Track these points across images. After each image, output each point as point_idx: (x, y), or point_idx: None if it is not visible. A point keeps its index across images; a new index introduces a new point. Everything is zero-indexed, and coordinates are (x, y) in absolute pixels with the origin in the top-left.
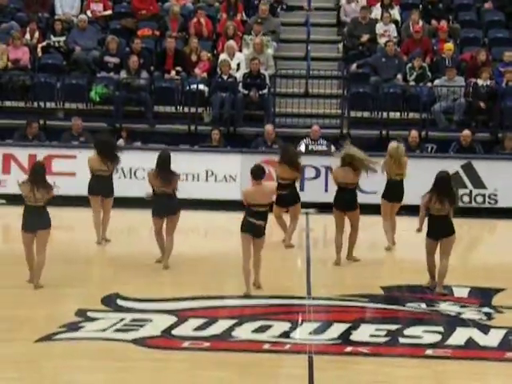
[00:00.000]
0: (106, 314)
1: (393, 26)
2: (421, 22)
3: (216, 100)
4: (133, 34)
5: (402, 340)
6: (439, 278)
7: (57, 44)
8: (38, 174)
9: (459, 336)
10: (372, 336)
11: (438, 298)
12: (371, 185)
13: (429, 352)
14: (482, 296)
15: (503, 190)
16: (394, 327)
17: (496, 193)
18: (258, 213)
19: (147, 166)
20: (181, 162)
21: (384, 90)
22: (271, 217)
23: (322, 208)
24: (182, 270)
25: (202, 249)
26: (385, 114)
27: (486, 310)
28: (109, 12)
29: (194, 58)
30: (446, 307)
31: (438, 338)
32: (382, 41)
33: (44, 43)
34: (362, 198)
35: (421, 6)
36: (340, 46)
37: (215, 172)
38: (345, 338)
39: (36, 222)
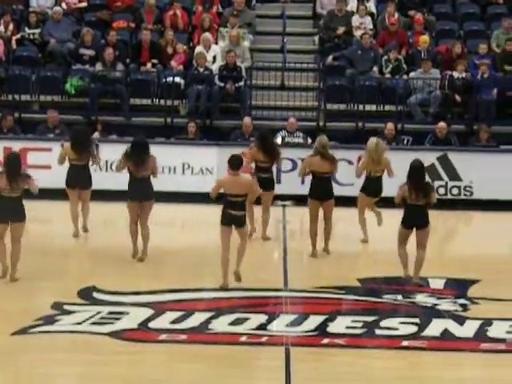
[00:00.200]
0: (83, 307)
1: (368, 19)
2: (396, 15)
3: (192, 92)
4: (108, 26)
5: (378, 331)
6: (416, 268)
7: (31, 36)
8: (13, 164)
9: (435, 327)
10: (348, 328)
11: (414, 289)
12: (347, 177)
13: (405, 343)
14: (458, 287)
15: (479, 182)
16: (370, 319)
17: (471, 185)
18: (236, 203)
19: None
20: (157, 154)
21: (360, 82)
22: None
23: (299, 200)
24: (158, 263)
25: (179, 241)
26: (361, 107)
27: (462, 301)
28: (84, 4)
29: (169, 50)
30: (422, 299)
31: (414, 329)
32: (357, 33)
33: (18, 35)
34: (338, 191)
35: None
36: (316, 38)
37: (191, 165)
38: (321, 329)
39: (11, 213)
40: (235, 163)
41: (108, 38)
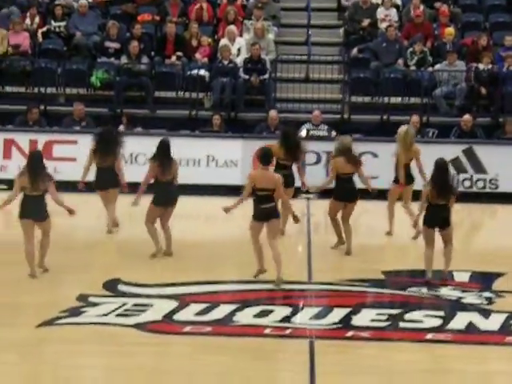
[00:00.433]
0: (108, 299)
1: (394, 11)
2: (422, 7)
3: (217, 85)
4: (133, 19)
5: (402, 324)
6: (446, 263)
7: (57, 29)
8: (35, 163)
9: (460, 320)
10: (373, 320)
11: (438, 282)
12: (372, 170)
13: (429, 336)
14: (483, 281)
15: (504, 175)
16: (394, 312)
17: (497, 178)
18: (266, 197)
19: (148, 152)
20: (182, 147)
21: (385, 74)
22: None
23: (323, 193)
24: (183, 256)
25: (204, 234)
26: (386, 99)
27: (487, 294)
28: None
29: (194, 43)
30: (446, 292)
31: (438, 322)
32: (382, 25)
33: (44, 28)
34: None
35: None
36: (341, 30)
37: (216, 157)
38: (346, 322)
39: (34, 212)
40: (266, 158)
41: (133, 31)
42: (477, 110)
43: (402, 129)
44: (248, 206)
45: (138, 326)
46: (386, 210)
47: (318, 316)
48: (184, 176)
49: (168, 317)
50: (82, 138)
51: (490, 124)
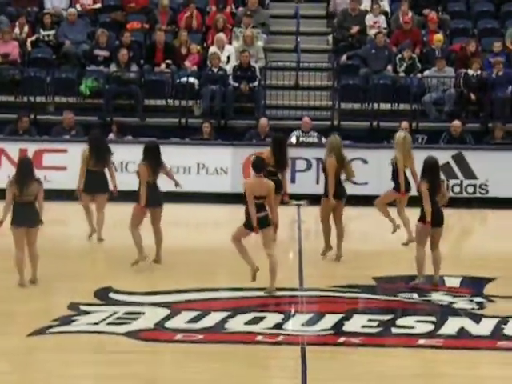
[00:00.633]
0: (99, 307)
1: (382, 18)
2: (410, 13)
3: (206, 93)
4: (122, 28)
5: (394, 330)
6: (436, 268)
7: (46, 38)
8: (24, 170)
9: (451, 325)
10: (364, 326)
11: (429, 288)
12: (362, 176)
13: (421, 342)
14: (474, 285)
15: (494, 180)
16: (386, 317)
17: (487, 183)
18: (260, 205)
19: (138, 160)
20: (172, 155)
21: (374, 81)
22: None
23: (313, 200)
24: (174, 263)
25: (194, 241)
26: (375, 106)
27: (478, 299)
28: (98, 5)
29: (183, 50)
30: (438, 297)
31: (430, 327)
32: (371, 32)
33: (33, 37)
34: (353, 190)
35: None
36: (330, 37)
37: (206, 165)
38: (337, 328)
39: (25, 219)
40: (259, 166)
41: (122, 39)
42: (466, 115)
43: (400, 135)
44: (239, 213)
45: (129, 334)
46: (383, 216)
47: (309, 322)
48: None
49: (159, 325)
50: (71, 146)
51: (480, 130)
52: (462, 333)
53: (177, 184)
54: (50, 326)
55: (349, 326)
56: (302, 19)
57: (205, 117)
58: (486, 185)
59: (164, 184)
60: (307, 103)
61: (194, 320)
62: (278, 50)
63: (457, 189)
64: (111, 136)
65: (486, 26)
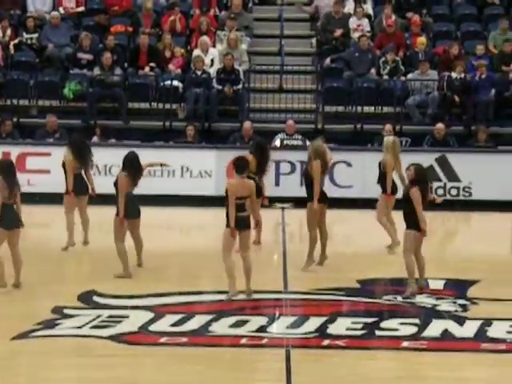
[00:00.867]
0: (83, 310)
1: (366, 21)
2: (393, 17)
3: (190, 96)
4: (106, 31)
5: (378, 332)
6: (422, 271)
7: (29, 41)
8: (12, 171)
9: (435, 328)
10: (349, 329)
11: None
12: (346, 179)
13: (405, 344)
14: (458, 288)
15: (477, 183)
16: (370, 320)
17: (470, 185)
18: (242, 205)
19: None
20: (156, 158)
21: (358, 84)
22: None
23: (298, 203)
24: (158, 266)
25: (178, 244)
26: (359, 109)
27: (462, 301)
28: (81, 8)
29: (167, 54)
30: (421, 299)
31: (414, 330)
32: (355, 35)
33: (16, 40)
34: (337, 193)
35: (393, 0)
36: (313, 40)
37: (190, 168)
38: (322, 331)
39: (13, 220)
40: (242, 166)
41: (106, 43)
42: (449, 118)
43: (389, 139)
44: (222, 216)
45: (113, 337)
46: (379, 224)
47: (293, 325)
48: (158, 187)
49: (144, 328)
50: (55, 149)
51: (463, 132)
52: (446, 335)
53: (163, 164)
54: (34, 330)
55: (333, 329)
56: (286, 22)
57: (189, 120)
58: (469, 187)
59: (147, 187)
60: (291, 106)
61: (178, 323)
62: (262, 53)
63: (440, 191)
64: (95, 139)
65: (468, 28)
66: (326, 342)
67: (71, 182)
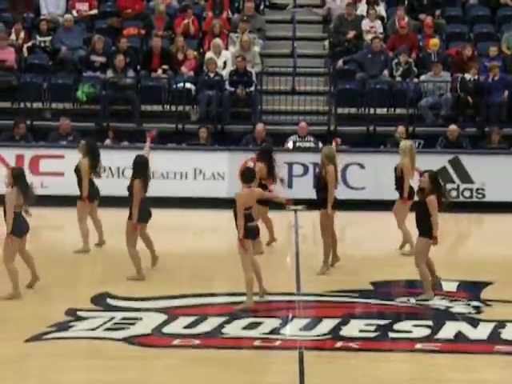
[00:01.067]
0: (96, 313)
1: (378, 23)
2: (406, 18)
3: (203, 98)
4: (119, 33)
5: (391, 334)
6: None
7: (43, 44)
8: (25, 179)
9: (449, 330)
10: (362, 331)
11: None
12: (359, 181)
13: (418, 346)
14: (471, 290)
15: (490, 184)
16: (383, 322)
17: (483, 187)
18: (251, 215)
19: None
20: (168, 160)
21: (370, 86)
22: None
23: (311, 205)
24: (171, 268)
25: (191, 247)
26: (372, 110)
27: (475, 303)
28: (94, 11)
29: (180, 56)
30: (435, 301)
31: (427, 332)
32: (368, 37)
33: (30, 43)
34: (350, 195)
35: (406, 1)
36: (326, 42)
37: (203, 170)
38: (335, 333)
39: (23, 227)
40: (250, 176)
41: (119, 45)
42: (462, 120)
43: (407, 143)
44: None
45: (126, 339)
46: (399, 230)
47: (307, 327)
48: (171, 189)
49: (157, 330)
50: (68, 152)
51: (476, 134)
52: (460, 337)
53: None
54: (47, 332)
55: (346, 331)
56: (298, 24)
57: (201, 122)
58: (482, 189)
59: (160, 190)
60: (304, 108)
61: (192, 325)
62: (275, 55)
63: (454, 193)
64: (108, 142)
65: (481, 30)
66: (339, 344)
67: (87, 188)
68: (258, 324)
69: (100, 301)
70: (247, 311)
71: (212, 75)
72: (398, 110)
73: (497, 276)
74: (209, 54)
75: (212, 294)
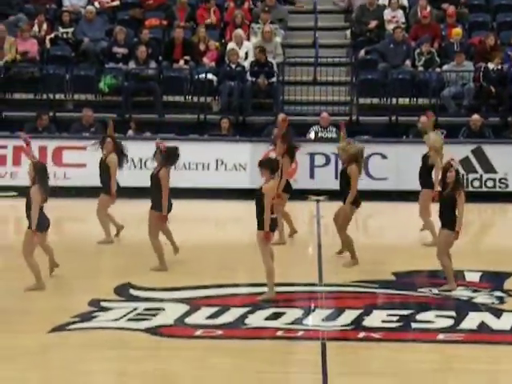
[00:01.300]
0: (119, 303)
1: (400, 12)
2: (428, 8)
3: (224, 89)
4: (140, 24)
5: (414, 325)
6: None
7: (65, 35)
8: (46, 174)
9: (471, 320)
10: (384, 321)
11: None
12: (381, 172)
13: (441, 337)
14: (494, 280)
15: None
16: (406, 312)
17: (506, 177)
18: (273, 207)
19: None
20: (190, 151)
21: (393, 76)
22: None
23: (333, 195)
24: (193, 259)
25: (213, 237)
26: (394, 101)
27: (498, 293)
28: (116, 2)
29: (202, 47)
30: (457, 292)
31: (450, 322)
32: (389, 27)
33: (52, 35)
34: (372, 185)
35: None
36: (348, 32)
37: (225, 161)
38: (357, 323)
39: (45, 222)
40: (275, 167)
41: (141, 36)
42: (485, 109)
43: (436, 136)
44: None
45: (149, 330)
46: (422, 220)
47: (329, 317)
48: (193, 180)
49: (179, 320)
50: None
51: (499, 124)
52: (483, 327)
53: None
54: (71, 323)
55: (369, 321)
56: (320, 14)
57: (223, 113)
58: (505, 179)
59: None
60: (325, 98)
61: (214, 316)
62: (296, 45)
63: (476, 183)
64: (130, 133)
65: (505, 19)
66: (361, 335)
67: (115, 185)
68: (281, 314)
69: (123, 291)
70: (270, 302)
71: (234, 66)
72: (421, 100)
73: None
74: (230, 45)
75: (234, 285)
